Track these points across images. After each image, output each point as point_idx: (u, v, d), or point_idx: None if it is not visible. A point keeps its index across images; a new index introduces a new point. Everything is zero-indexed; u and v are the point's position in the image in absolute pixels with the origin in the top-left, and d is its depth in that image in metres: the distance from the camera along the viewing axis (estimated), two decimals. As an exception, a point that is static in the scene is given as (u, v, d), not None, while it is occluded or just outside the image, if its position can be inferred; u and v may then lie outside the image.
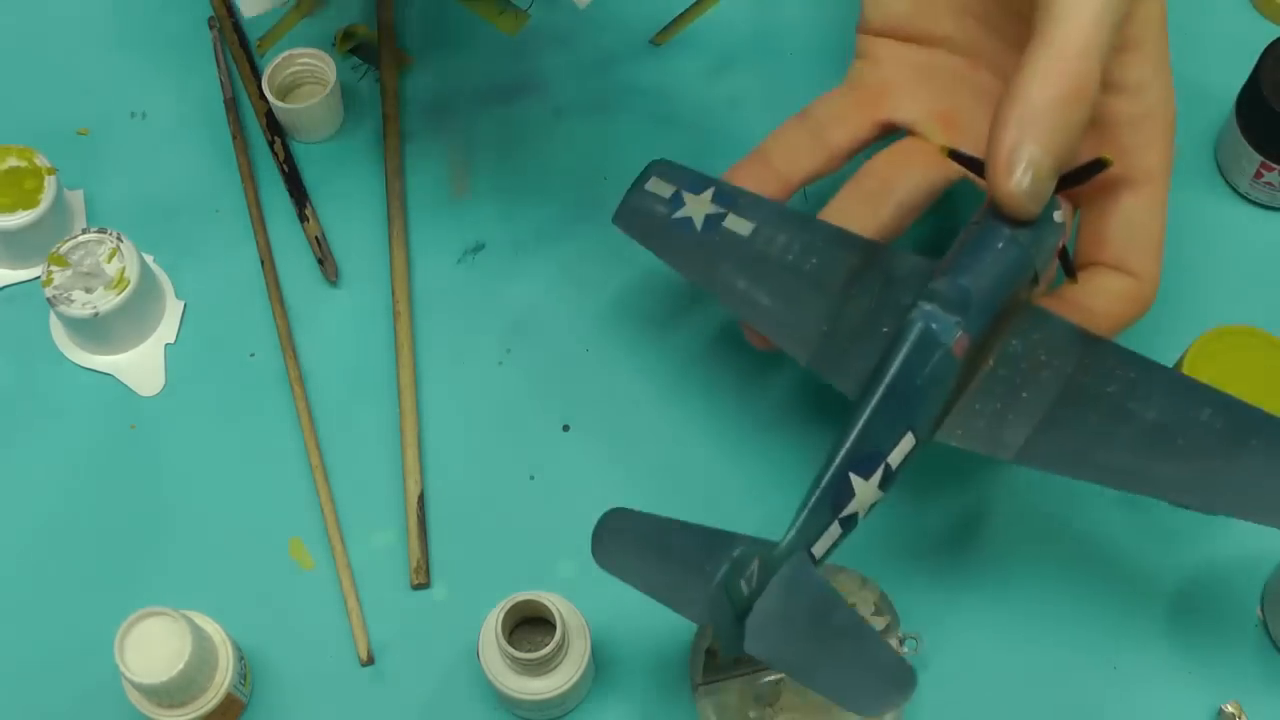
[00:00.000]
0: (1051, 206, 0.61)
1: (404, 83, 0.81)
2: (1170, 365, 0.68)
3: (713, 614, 0.57)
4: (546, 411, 0.73)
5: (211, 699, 0.64)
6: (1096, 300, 0.65)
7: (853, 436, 0.58)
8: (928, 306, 0.59)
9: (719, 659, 0.65)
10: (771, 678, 0.66)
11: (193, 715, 0.64)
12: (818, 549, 0.58)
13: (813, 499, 0.58)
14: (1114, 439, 0.59)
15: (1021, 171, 0.58)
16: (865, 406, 0.59)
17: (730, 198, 0.67)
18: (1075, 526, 0.71)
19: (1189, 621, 0.69)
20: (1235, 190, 0.78)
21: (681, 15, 0.82)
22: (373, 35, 0.82)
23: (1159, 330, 0.73)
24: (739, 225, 0.66)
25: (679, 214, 0.67)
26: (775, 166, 0.69)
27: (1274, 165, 0.75)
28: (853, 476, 0.58)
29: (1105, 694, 0.68)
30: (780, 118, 0.71)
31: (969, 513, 0.71)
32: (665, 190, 0.68)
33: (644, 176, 0.69)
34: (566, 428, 0.73)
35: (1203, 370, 0.65)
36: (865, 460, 0.58)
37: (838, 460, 0.58)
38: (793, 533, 0.57)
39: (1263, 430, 0.59)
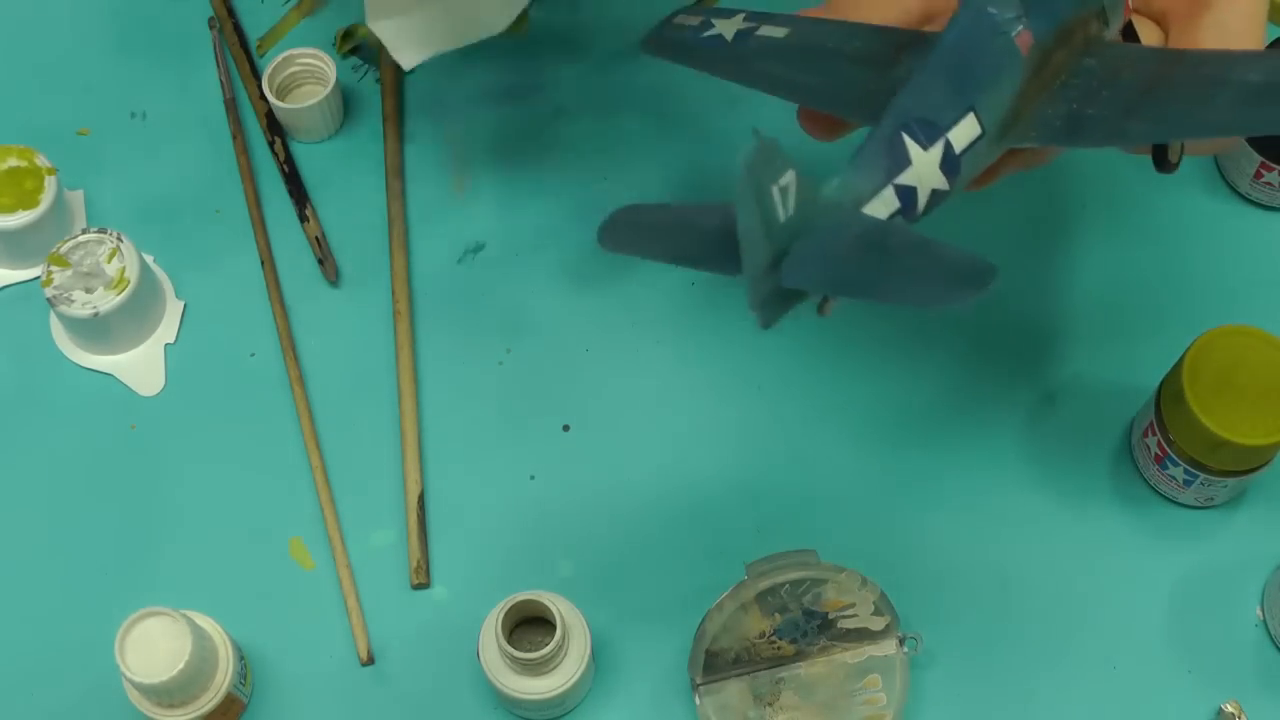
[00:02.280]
0: None
1: (404, 83, 0.81)
2: (1170, 366, 0.68)
3: (746, 219, 0.49)
4: (546, 411, 0.73)
5: (211, 699, 0.64)
6: None
7: (906, 94, 0.54)
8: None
9: (719, 656, 0.65)
10: (771, 677, 0.66)
11: (193, 715, 0.64)
12: (871, 210, 0.53)
13: (859, 152, 0.53)
14: (1214, 100, 0.55)
15: None
16: (920, 71, 0.55)
17: (761, 16, 0.62)
18: (1075, 527, 0.71)
19: (1189, 621, 0.69)
20: (1235, 190, 0.78)
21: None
22: (373, 35, 0.82)
23: (1159, 330, 0.73)
24: (773, 32, 0.62)
25: (709, 33, 0.63)
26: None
27: (1274, 165, 0.75)
28: (907, 139, 0.53)
29: (1105, 694, 0.68)
30: (780, 118, 0.71)
31: (969, 513, 0.71)
32: (693, 20, 0.65)
33: (669, 17, 0.66)
34: (566, 428, 0.73)
35: (1203, 370, 0.66)
36: (924, 126, 0.54)
37: (887, 119, 0.54)
38: (837, 180, 0.52)
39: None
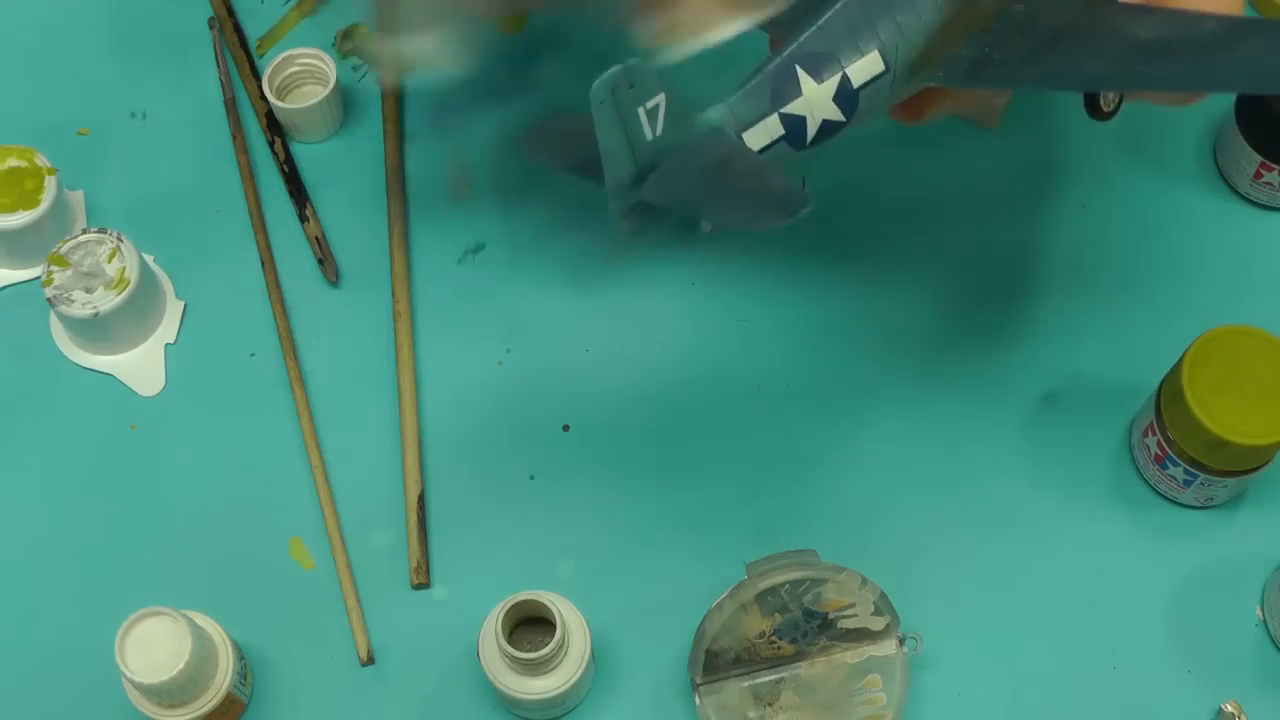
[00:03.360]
0: None
1: (404, 83, 0.81)
2: (1170, 366, 0.68)
3: (606, 140, 0.52)
4: (546, 411, 0.73)
5: (211, 699, 0.64)
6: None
7: (810, 29, 0.56)
8: None
9: (719, 656, 0.65)
10: (771, 677, 0.66)
11: (193, 715, 0.64)
12: (751, 138, 0.55)
13: (749, 80, 0.56)
14: (1103, 53, 0.56)
15: None
16: (826, 9, 0.57)
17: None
18: (1075, 527, 0.71)
19: (1189, 621, 0.69)
20: (1235, 190, 0.78)
21: (681, 15, 0.82)
22: (373, 35, 0.82)
23: (1159, 330, 0.73)
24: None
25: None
26: None
27: (1274, 165, 0.75)
28: (800, 70, 0.56)
29: (1105, 694, 0.68)
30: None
31: (969, 513, 0.71)
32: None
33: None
34: (566, 428, 0.73)
35: (1203, 370, 0.66)
36: (817, 59, 0.56)
37: (783, 52, 0.56)
38: (720, 104, 0.55)
39: (1264, 26, 0.56)
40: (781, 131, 0.56)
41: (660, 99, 0.52)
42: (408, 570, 0.70)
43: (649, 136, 0.53)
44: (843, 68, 0.56)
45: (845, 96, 0.56)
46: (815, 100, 0.56)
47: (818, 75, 0.56)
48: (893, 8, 0.57)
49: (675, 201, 0.53)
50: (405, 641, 0.69)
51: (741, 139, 0.55)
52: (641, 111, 0.52)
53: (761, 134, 0.56)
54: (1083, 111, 0.64)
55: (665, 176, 0.53)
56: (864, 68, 0.56)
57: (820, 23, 0.56)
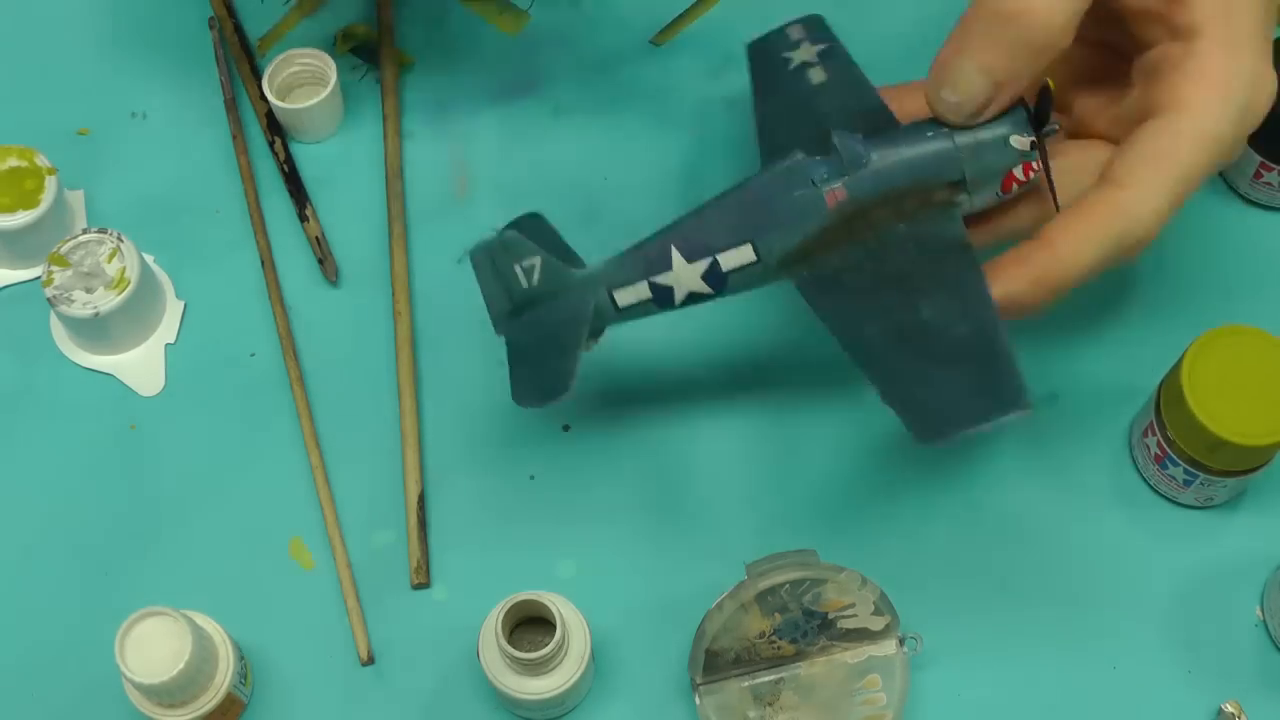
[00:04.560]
0: (1007, 127, 0.62)
1: (404, 83, 0.81)
2: (1170, 366, 0.68)
3: (485, 287, 0.64)
4: (546, 411, 0.73)
5: (211, 699, 0.64)
6: (1070, 194, 0.63)
7: (688, 218, 0.63)
8: (813, 155, 0.62)
9: (719, 656, 0.65)
10: (771, 677, 0.66)
11: (193, 715, 0.64)
12: (620, 296, 0.64)
13: (629, 251, 0.63)
14: (882, 318, 0.61)
15: (949, 81, 0.60)
16: (714, 201, 0.63)
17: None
18: (1075, 527, 0.71)
19: (1189, 621, 0.69)
20: (1235, 190, 0.78)
21: (681, 15, 0.82)
22: (373, 35, 0.82)
23: (1159, 330, 0.73)
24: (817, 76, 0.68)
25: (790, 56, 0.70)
26: None
27: (1274, 165, 0.75)
28: (675, 251, 0.63)
29: (1105, 694, 0.68)
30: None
31: (969, 513, 0.71)
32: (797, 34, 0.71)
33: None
34: (566, 428, 0.73)
35: (1202, 370, 0.66)
36: (692, 243, 0.63)
37: (666, 232, 0.63)
38: (599, 264, 0.63)
39: (980, 364, 0.59)
40: (650, 295, 0.64)
41: (536, 260, 0.63)
42: (408, 570, 0.70)
43: (524, 285, 0.64)
44: (714, 253, 0.63)
45: (714, 276, 0.63)
46: (684, 276, 0.63)
47: (689, 256, 0.63)
48: (775, 212, 0.62)
49: (512, 344, 0.66)
50: (405, 641, 0.69)
51: (612, 295, 0.64)
52: (517, 268, 0.64)
53: (630, 294, 0.64)
54: None
55: (515, 324, 0.66)
56: (735, 256, 0.63)
57: (701, 210, 0.63)
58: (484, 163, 0.79)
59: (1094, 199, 0.61)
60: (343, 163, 0.79)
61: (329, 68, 0.78)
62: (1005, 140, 0.62)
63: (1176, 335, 0.69)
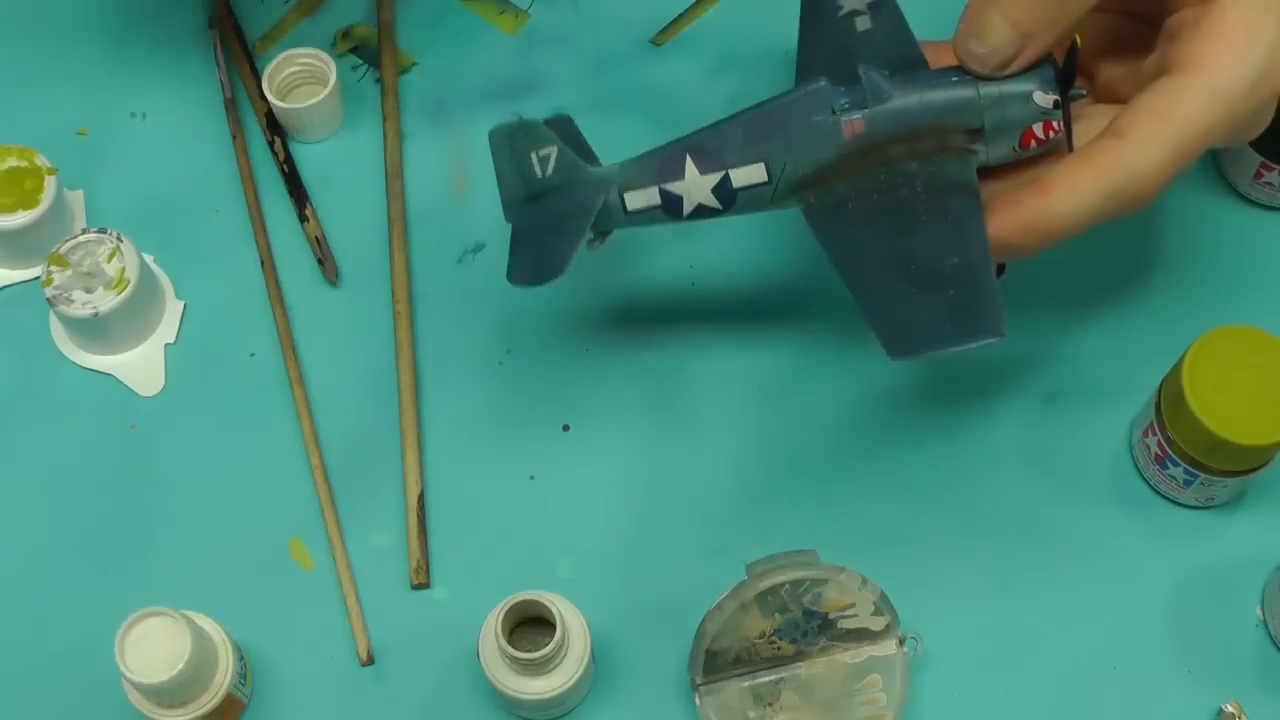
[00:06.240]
0: (1033, 83, 0.62)
1: (404, 83, 0.81)
2: (1170, 366, 0.68)
3: (500, 168, 0.65)
4: (546, 411, 0.73)
5: (211, 699, 0.64)
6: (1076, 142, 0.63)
7: (705, 131, 0.64)
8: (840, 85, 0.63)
9: (719, 656, 0.65)
10: (771, 677, 0.66)
11: (193, 715, 0.64)
12: (630, 199, 0.64)
13: (645, 154, 0.64)
14: (876, 244, 0.62)
15: (977, 32, 0.61)
16: (734, 117, 0.64)
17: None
18: (1075, 527, 0.71)
19: (1189, 621, 0.69)
20: (1235, 190, 0.77)
21: (681, 15, 0.82)
22: (373, 35, 0.82)
23: (1159, 330, 0.73)
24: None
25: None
26: None
27: (1274, 165, 0.75)
28: (689, 160, 0.64)
29: (1105, 694, 0.68)
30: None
31: (969, 512, 0.71)
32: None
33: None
34: (566, 428, 0.73)
35: (1202, 370, 0.65)
36: (707, 155, 0.64)
37: (683, 139, 0.64)
38: (614, 165, 0.65)
39: (964, 291, 0.61)
40: (659, 202, 0.65)
41: (553, 150, 0.64)
42: (408, 570, 0.70)
43: (539, 174, 0.65)
44: (727, 168, 0.64)
45: (724, 192, 0.64)
46: (695, 187, 0.64)
47: (702, 167, 0.64)
48: (791, 135, 0.63)
49: (516, 227, 0.67)
50: (405, 641, 0.69)
51: (623, 196, 0.64)
52: (534, 155, 0.64)
53: (640, 198, 0.65)
54: None
55: (520, 213, 0.66)
56: (747, 174, 0.64)
57: (719, 124, 0.64)
58: (484, 163, 0.78)
59: (1093, 149, 0.61)
60: (343, 163, 0.79)
61: (329, 68, 0.78)
62: (1029, 95, 0.62)
63: (1176, 335, 0.69)
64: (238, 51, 0.81)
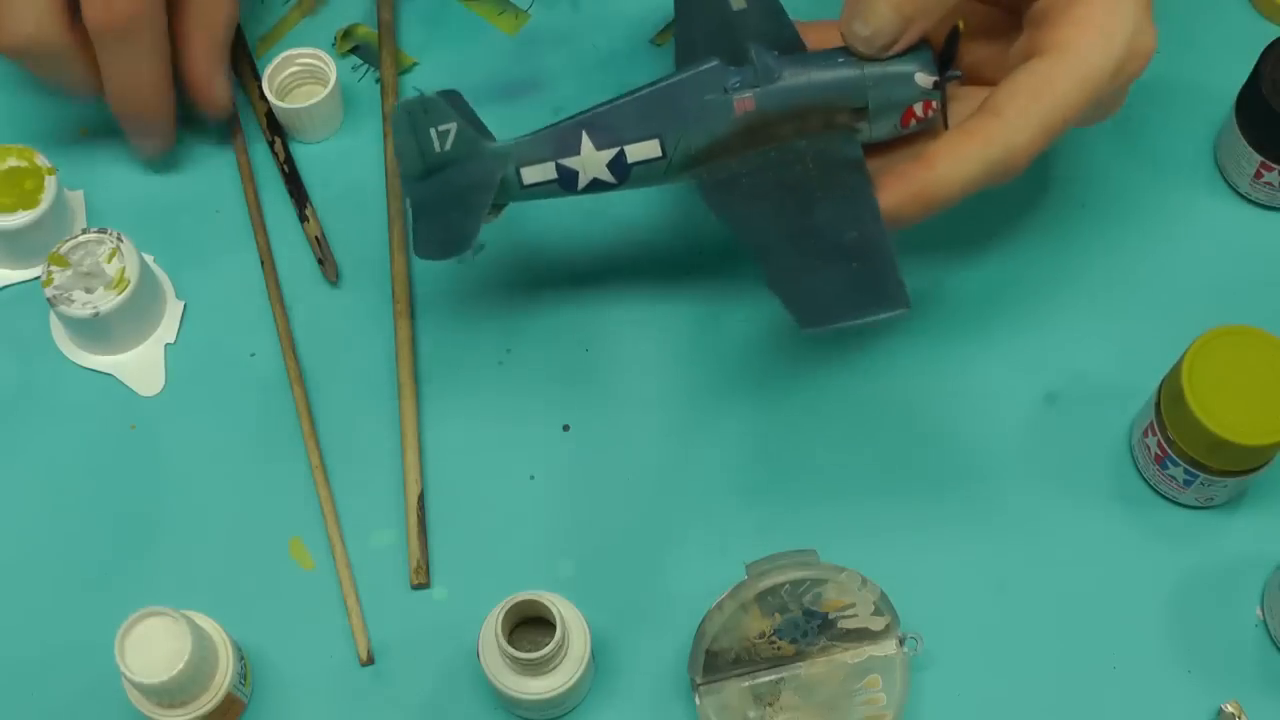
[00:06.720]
0: (913, 64, 0.65)
1: (404, 83, 0.81)
2: (1170, 366, 0.68)
3: (400, 143, 0.65)
4: (546, 411, 0.73)
5: (211, 699, 0.64)
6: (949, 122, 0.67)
7: (602, 107, 0.66)
8: (731, 64, 0.66)
9: (719, 656, 0.65)
10: (771, 677, 0.66)
11: (193, 715, 0.64)
12: (526, 174, 0.66)
13: (541, 130, 0.66)
14: (776, 219, 0.65)
15: (862, 14, 0.64)
16: (629, 95, 0.66)
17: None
18: (1075, 527, 0.71)
19: (1189, 621, 0.69)
20: (1235, 190, 0.78)
21: (681, 15, 0.82)
22: (373, 35, 0.82)
23: (1159, 330, 0.73)
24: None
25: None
26: None
27: (1274, 165, 0.75)
28: (585, 137, 0.66)
29: (1105, 694, 0.68)
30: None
31: (969, 513, 0.71)
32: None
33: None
34: (566, 428, 0.73)
35: (1203, 370, 0.66)
36: (603, 131, 0.66)
37: (579, 115, 0.66)
38: (511, 140, 0.66)
39: (865, 264, 0.63)
40: (555, 176, 0.66)
41: (452, 126, 0.65)
42: (408, 570, 0.70)
43: (437, 149, 0.66)
44: (622, 144, 0.66)
45: (619, 166, 0.66)
46: (590, 162, 0.66)
47: (598, 143, 0.66)
48: (685, 112, 0.65)
49: (413, 199, 0.67)
50: (405, 641, 0.69)
51: (519, 171, 0.66)
52: (434, 131, 0.65)
53: (537, 173, 0.66)
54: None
55: (421, 188, 0.67)
56: (642, 149, 0.66)
57: (615, 102, 0.66)
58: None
59: (972, 125, 0.65)
60: (343, 163, 0.79)
61: (329, 68, 0.78)
62: (910, 76, 0.65)
63: (1176, 335, 0.69)
64: (238, 51, 0.81)
